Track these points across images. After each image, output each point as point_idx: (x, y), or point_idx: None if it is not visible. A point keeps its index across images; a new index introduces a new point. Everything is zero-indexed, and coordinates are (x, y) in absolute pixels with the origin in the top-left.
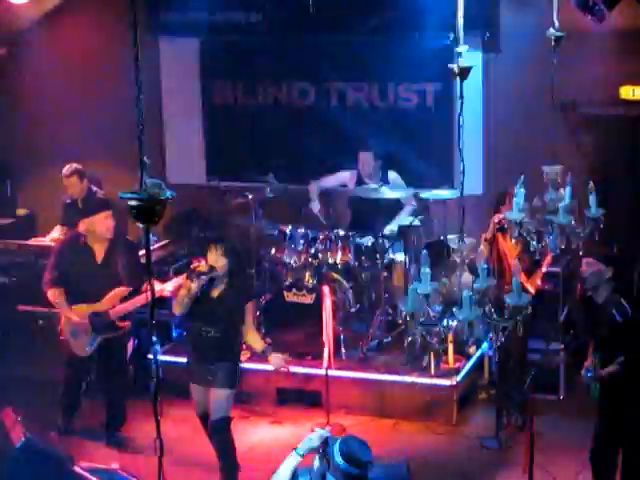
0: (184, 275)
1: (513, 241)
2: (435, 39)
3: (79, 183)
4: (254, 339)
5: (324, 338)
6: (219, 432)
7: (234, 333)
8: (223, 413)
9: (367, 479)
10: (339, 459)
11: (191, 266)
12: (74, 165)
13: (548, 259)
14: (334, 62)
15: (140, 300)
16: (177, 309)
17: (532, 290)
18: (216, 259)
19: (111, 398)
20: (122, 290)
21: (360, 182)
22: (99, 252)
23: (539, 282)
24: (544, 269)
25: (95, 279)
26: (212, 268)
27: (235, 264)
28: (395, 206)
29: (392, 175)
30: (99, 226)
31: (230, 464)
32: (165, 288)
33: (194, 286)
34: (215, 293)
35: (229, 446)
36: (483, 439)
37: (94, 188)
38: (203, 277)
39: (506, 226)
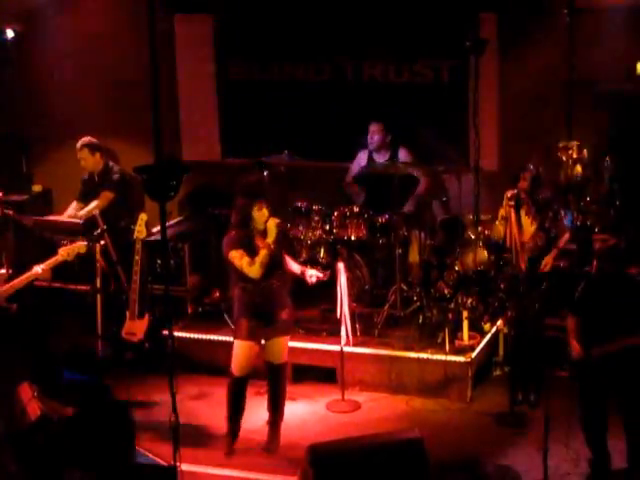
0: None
1: (529, 219)
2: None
3: (90, 156)
4: (292, 263)
5: (339, 315)
6: (282, 375)
7: (286, 276)
8: (285, 358)
9: None
10: None
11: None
12: (86, 138)
13: (565, 237)
14: (349, 38)
15: (23, 279)
16: (260, 271)
17: (546, 268)
18: (262, 210)
19: (39, 377)
20: (1, 274)
21: (370, 160)
22: None
23: (551, 261)
24: (560, 245)
25: None
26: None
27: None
28: (410, 182)
29: (403, 152)
30: None
31: (282, 405)
32: (37, 270)
33: (271, 243)
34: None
35: (284, 389)
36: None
37: (111, 163)
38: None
39: (521, 201)
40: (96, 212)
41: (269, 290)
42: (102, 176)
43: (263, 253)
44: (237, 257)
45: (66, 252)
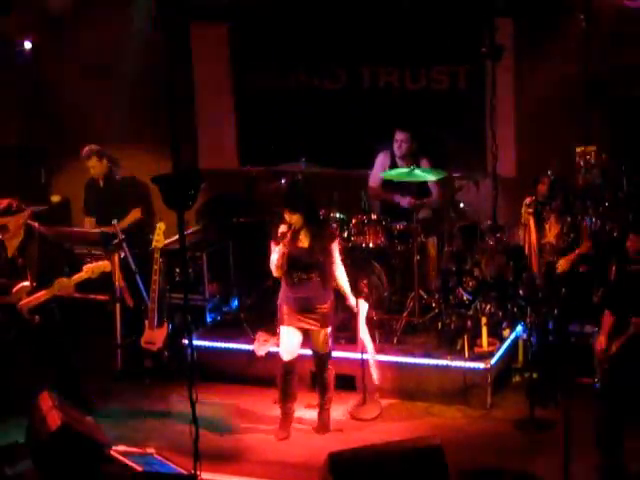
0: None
1: (547, 225)
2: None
3: (99, 163)
4: (343, 278)
5: (359, 326)
6: (325, 366)
7: (329, 274)
8: (327, 349)
9: None
10: None
11: (278, 232)
12: (92, 146)
13: (586, 246)
14: (366, 45)
15: (47, 293)
16: (277, 272)
17: (560, 269)
18: (290, 217)
19: (61, 387)
20: (24, 286)
21: (393, 165)
22: (11, 247)
23: (567, 265)
24: (578, 251)
25: (4, 273)
26: (289, 225)
27: (308, 214)
28: (422, 190)
29: (424, 163)
30: (11, 225)
31: (328, 389)
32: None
33: (283, 248)
34: (304, 244)
35: (333, 377)
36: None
37: (115, 168)
38: (285, 236)
39: (540, 207)
40: (114, 222)
41: (304, 285)
42: (106, 181)
43: (277, 257)
44: (271, 250)
45: (91, 270)
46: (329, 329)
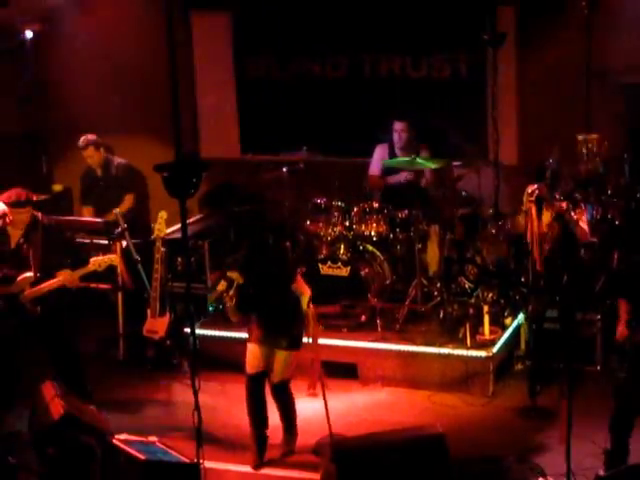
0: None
1: (549, 213)
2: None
3: (97, 152)
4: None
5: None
6: (281, 392)
7: (294, 301)
8: (286, 375)
9: None
10: None
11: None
12: (88, 136)
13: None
14: (367, 33)
15: (51, 285)
16: (233, 318)
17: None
18: (230, 272)
19: (64, 376)
20: (28, 276)
21: (392, 155)
22: (14, 237)
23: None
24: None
25: (8, 263)
26: (231, 281)
27: (262, 258)
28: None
29: (424, 151)
30: (15, 217)
31: (291, 419)
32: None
33: (228, 302)
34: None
35: (290, 403)
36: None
37: (109, 155)
38: (223, 295)
39: (542, 196)
40: (116, 211)
41: (267, 311)
42: (104, 170)
43: (227, 304)
44: None
45: (97, 263)
46: (291, 353)
